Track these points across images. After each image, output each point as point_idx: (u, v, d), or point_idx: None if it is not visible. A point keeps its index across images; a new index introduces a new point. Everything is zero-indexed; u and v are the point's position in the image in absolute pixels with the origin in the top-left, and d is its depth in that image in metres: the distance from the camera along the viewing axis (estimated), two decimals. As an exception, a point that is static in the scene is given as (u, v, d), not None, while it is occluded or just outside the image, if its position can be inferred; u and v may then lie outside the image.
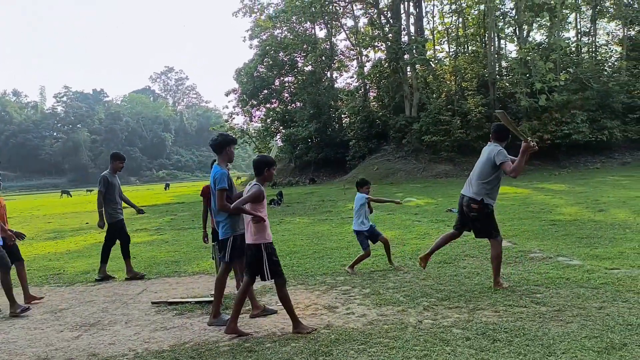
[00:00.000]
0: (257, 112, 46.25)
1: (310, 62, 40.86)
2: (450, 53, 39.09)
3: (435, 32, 40.34)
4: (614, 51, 37.09)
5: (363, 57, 39.11)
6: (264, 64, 44.17)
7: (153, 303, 5.88)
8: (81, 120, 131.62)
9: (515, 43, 35.10)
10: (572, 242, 8.08)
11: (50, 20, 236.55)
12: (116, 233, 7.69)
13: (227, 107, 49.92)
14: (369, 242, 7.11)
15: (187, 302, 5.81)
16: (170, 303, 5.81)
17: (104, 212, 7.54)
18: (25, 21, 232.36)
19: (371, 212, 7.26)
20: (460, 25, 39.16)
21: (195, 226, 13.74)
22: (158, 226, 14.91)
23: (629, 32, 34.97)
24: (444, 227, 10.91)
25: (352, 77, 41.92)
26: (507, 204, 14.96)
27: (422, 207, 16.20)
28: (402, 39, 34.64)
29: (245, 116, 45.75)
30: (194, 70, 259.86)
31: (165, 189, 52.21)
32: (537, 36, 38.98)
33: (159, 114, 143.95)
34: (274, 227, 12.79)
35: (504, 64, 36.79)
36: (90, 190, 62.17)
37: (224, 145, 5.17)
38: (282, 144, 42.16)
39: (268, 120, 44.58)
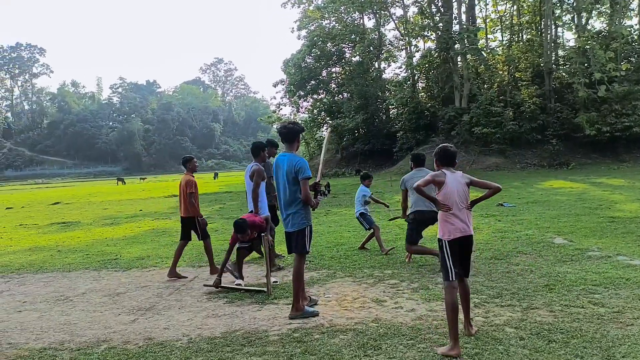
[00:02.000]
0: (305, 103, 46.43)
1: (358, 53, 40.55)
2: (504, 42, 37.90)
3: (488, 21, 39.21)
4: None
5: (412, 47, 38.42)
6: (312, 54, 44.10)
7: (222, 287, 5.99)
8: (135, 110, 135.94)
9: (573, 31, 33.65)
10: (632, 241, 7.72)
11: (106, 12, 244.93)
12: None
13: (274, 97, 50.19)
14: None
15: (248, 289, 5.93)
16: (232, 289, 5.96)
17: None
18: (83, 14, 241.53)
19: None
20: (514, 12, 37.87)
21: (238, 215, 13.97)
22: (207, 214, 15.25)
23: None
24: (494, 221, 10.65)
25: (400, 67, 41.35)
26: (562, 199, 14.44)
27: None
28: (453, 28, 33.79)
29: (292, 107, 45.96)
30: (243, 61, 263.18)
31: (214, 178, 53.35)
32: (597, 24, 37.27)
33: (208, 105, 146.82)
34: (321, 217, 12.86)
35: (560, 53, 35.35)
36: (144, 178, 64.36)
37: (296, 134, 5.13)
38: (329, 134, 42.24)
39: (315, 111, 44.61)
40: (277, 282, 6.21)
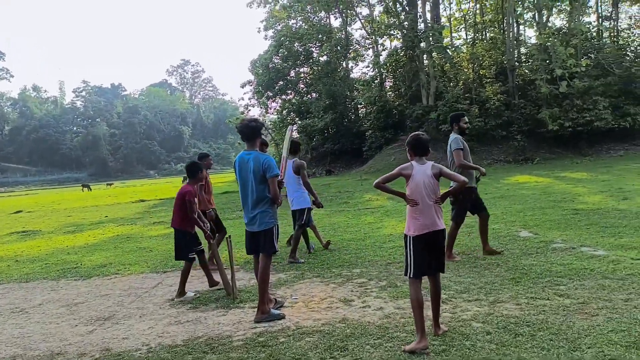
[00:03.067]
0: (273, 104, 46.17)
1: (325, 52, 40.52)
2: (468, 40, 38.45)
3: (452, 19, 39.69)
4: (636, 35, 36.06)
5: (379, 46, 38.62)
6: (279, 54, 43.88)
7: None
8: (100, 115, 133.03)
9: (535, 28, 34.33)
10: (596, 232, 7.84)
11: (67, 15, 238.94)
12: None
13: (242, 99, 49.61)
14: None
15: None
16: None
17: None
18: (43, 16, 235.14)
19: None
20: (477, 11, 38.44)
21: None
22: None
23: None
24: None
25: (368, 66, 41.46)
26: (527, 193, 14.67)
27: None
28: (419, 27, 34.09)
29: (261, 108, 45.66)
30: (210, 63, 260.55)
31: (183, 181, 52.62)
32: (557, 21, 38.14)
33: (176, 107, 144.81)
34: (289, 218, 12.70)
35: (523, 50, 36.00)
36: (110, 184, 62.96)
37: (258, 131, 5.02)
38: (296, 131, 42.06)
39: (284, 111, 44.40)
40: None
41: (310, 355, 3.80)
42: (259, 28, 46.31)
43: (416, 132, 4.36)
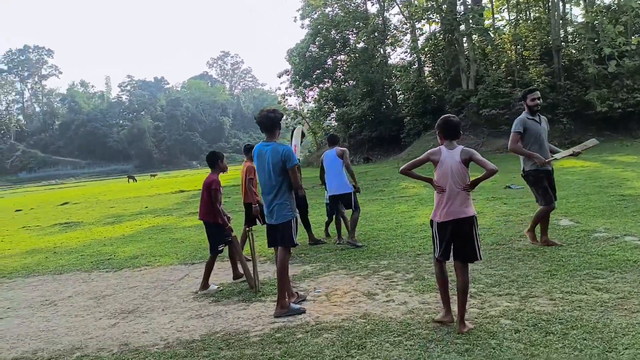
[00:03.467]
0: (311, 93, 46.05)
1: (362, 39, 40.01)
2: (511, 21, 37.03)
3: (494, 0, 38.35)
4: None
5: (416, 31, 37.79)
6: (316, 43, 43.63)
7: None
8: (144, 108, 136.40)
9: (582, 6, 32.75)
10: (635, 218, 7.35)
11: (110, 11, 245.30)
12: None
13: (279, 88, 49.69)
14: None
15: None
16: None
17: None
18: (88, 13, 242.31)
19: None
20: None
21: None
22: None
23: None
24: (500, 204, 10.31)
25: (405, 52, 40.64)
26: (572, 178, 14.03)
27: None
28: (458, 9, 33.11)
29: (298, 97, 45.62)
30: (249, 54, 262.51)
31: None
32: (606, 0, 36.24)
33: (216, 99, 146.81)
34: (322, 208, 12.57)
35: (569, 29, 34.47)
36: (154, 175, 64.62)
37: (277, 122, 4.90)
38: (334, 119, 41.78)
39: (321, 100, 44.20)
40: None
41: (326, 353, 3.66)
42: (295, 17, 46.02)
43: (446, 115, 4.15)
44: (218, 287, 5.83)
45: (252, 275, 5.46)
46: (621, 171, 14.47)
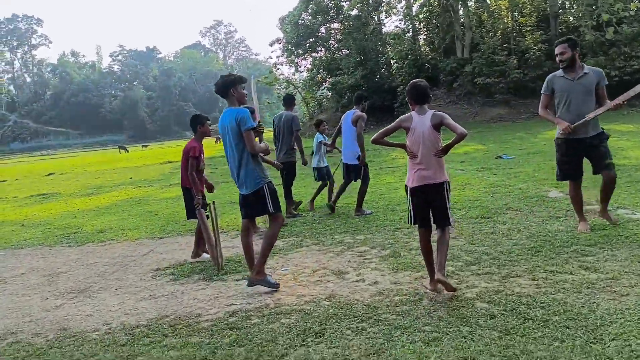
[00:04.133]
0: (304, 62, 45.05)
1: (355, 5, 38.84)
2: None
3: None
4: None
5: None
6: (309, 10, 42.47)
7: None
8: (136, 78, 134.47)
9: (581, -29, 31.77)
10: (636, 191, 6.95)
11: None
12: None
13: (270, 57, 48.69)
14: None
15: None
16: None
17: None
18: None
19: (330, 151, 8.02)
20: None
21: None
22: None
23: None
24: (489, 175, 9.90)
25: (400, 20, 39.58)
26: (565, 148, 13.62)
27: (470, 153, 15.08)
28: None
29: (290, 66, 44.64)
30: (243, 23, 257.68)
31: (215, 142, 52.61)
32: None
33: (210, 69, 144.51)
34: (308, 179, 12.16)
35: (567, -5, 33.57)
36: (146, 146, 63.86)
37: (227, 86, 4.46)
38: (326, 89, 40.93)
39: (314, 69, 43.27)
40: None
41: (279, 341, 3.28)
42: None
43: (415, 80, 4.13)
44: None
45: (215, 252, 5.05)
46: (616, 140, 14.04)
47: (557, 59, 5.14)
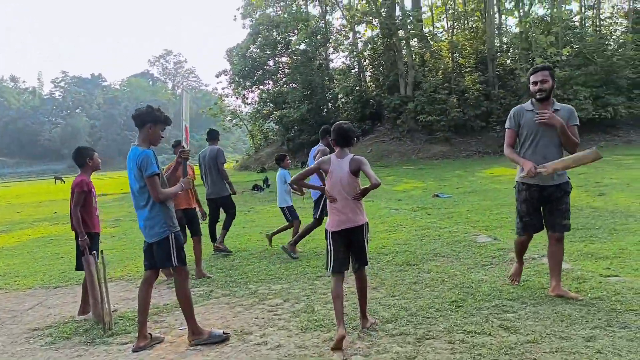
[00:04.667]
0: (251, 94, 44.81)
1: (301, 40, 39.18)
2: (448, 29, 37.41)
3: (434, 9, 38.61)
4: (619, 24, 35.30)
5: (357, 34, 37.45)
6: (257, 43, 42.53)
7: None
8: (79, 106, 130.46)
9: (516, 17, 33.46)
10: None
11: (46, 4, 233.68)
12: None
13: (216, 89, 48.29)
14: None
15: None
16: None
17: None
18: (21, 6, 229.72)
19: (302, 194, 7.43)
20: (460, 0, 37.39)
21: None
22: (116, 217, 13.80)
23: (635, 4, 33.16)
24: (422, 215, 9.69)
25: (347, 56, 40.22)
26: (500, 187, 13.74)
27: (408, 191, 14.99)
28: (397, 14, 32.98)
29: (236, 98, 44.26)
30: (193, 53, 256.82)
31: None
32: (540, 10, 37.32)
33: (157, 98, 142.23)
34: (239, 217, 11.61)
35: (504, 40, 35.13)
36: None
37: (148, 120, 3.97)
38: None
39: (261, 102, 43.05)
40: None
41: None
42: (235, 16, 44.90)
43: (339, 122, 4.05)
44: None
45: (100, 307, 4.42)
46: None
47: (536, 87, 4.33)
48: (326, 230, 3.95)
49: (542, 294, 4.40)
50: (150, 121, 3.98)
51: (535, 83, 4.36)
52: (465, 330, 3.73)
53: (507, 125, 4.59)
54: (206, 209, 7.32)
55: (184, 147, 4.42)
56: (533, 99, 4.45)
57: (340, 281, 3.87)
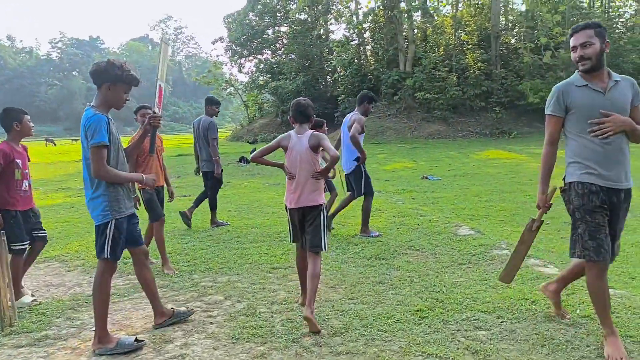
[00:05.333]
0: (248, 64, 43.59)
1: (301, 9, 37.86)
2: (452, 2, 36.11)
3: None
4: (629, 6, 34.09)
5: (358, 5, 36.08)
6: (255, 10, 41.16)
7: None
8: (77, 68, 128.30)
9: (523, -6, 32.18)
10: (555, 232, 6.19)
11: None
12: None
13: (210, 55, 47.03)
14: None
15: None
16: None
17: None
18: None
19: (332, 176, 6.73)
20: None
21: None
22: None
23: (647, -14, 31.92)
24: (405, 200, 9.01)
25: (347, 28, 38.94)
26: (493, 172, 13.05)
27: (397, 171, 14.29)
28: (400, -15, 31.67)
29: (232, 66, 43.11)
30: (194, 20, 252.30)
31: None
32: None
33: (156, 63, 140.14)
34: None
35: (509, 17, 33.92)
36: (76, 140, 60.21)
37: (106, 78, 3.26)
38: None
39: (257, 72, 41.92)
40: None
41: None
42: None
43: (298, 99, 3.99)
44: (33, 301, 4.17)
45: (2, 300, 3.73)
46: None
47: (576, 54, 3.09)
48: (285, 204, 3.87)
49: (522, 306, 3.73)
50: (109, 80, 3.26)
51: (574, 48, 3.10)
52: (424, 353, 3.06)
53: (550, 110, 3.26)
54: (200, 182, 7.38)
55: (154, 112, 3.63)
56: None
57: (303, 252, 3.82)
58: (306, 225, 3.73)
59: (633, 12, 32.45)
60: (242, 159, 19.54)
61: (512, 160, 15.93)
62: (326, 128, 6.69)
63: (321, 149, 3.79)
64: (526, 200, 8.33)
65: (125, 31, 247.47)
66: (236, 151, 24.54)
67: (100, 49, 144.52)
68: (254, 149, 22.52)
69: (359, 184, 6.25)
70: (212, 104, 7.26)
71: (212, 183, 7.18)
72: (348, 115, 6.44)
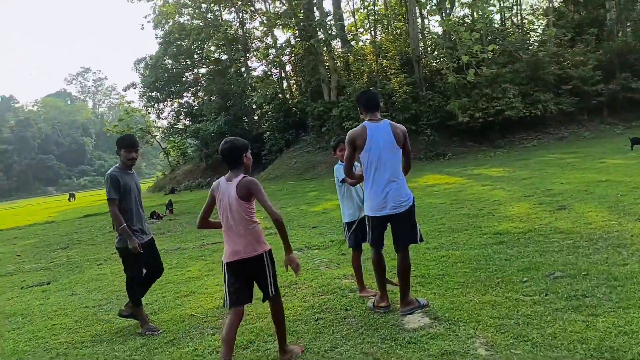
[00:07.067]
0: (168, 108, 41.11)
1: (216, 46, 36.02)
2: (369, 30, 35.58)
3: (357, 13, 36.67)
4: (540, 21, 34.85)
5: (271, 38, 34.70)
6: (168, 53, 38.97)
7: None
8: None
9: (438, 17, 32.02)
10: (534, 291, 4.34)
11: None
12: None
13: (121, 102, 44.17)
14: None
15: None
16: None
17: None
18: None
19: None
20: (381, 2, 35.65)
21: (9, 270, 9.25)
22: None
23: (552, 3, 32.64)
24: (333, 260, 6.99)
25: (265, 62, 37.48)
26: (436, 202, 11.36)
27: (328, 213, 12.33)
28: (315, 15, 30.65)
29: (148, 112, 40.44)
30: (113, 69, 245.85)
31: (69, 199, 45.76)
32: (461, 13, 36.18)
33: (76, 118, 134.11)
34: (90, 270, 8.50)
35: (428, 42, 33.68)
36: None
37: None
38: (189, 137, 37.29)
39: (177, 116, 39.49)
40: None
41: None
42: (143, 25, 41.41)
43: (225, 139, 3.59)
44: None
45: None
46: (490, 189, 12.16)
47: None
48: (222, 261, 3.58)
49: None
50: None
51: None
52: None
53: None
54: None
55: None
56: None
57: (235, 319, 3.47)
58: (248, 278, 3.51)
59: (544, 27, 33.02)
60: (154, 214, 16.99)
61: (453, 185, 14.44)
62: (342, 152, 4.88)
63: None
64: (483, 243, 6.54)
65: (40, 87, 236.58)
66: (148, 205, 21.88)
67: (15, 108, 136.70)
68: (170, 202, 20.09)
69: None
70: (122, 147, 4.95)
71: (127, 262, 4.83)
72: (382, 122, 4.39)
